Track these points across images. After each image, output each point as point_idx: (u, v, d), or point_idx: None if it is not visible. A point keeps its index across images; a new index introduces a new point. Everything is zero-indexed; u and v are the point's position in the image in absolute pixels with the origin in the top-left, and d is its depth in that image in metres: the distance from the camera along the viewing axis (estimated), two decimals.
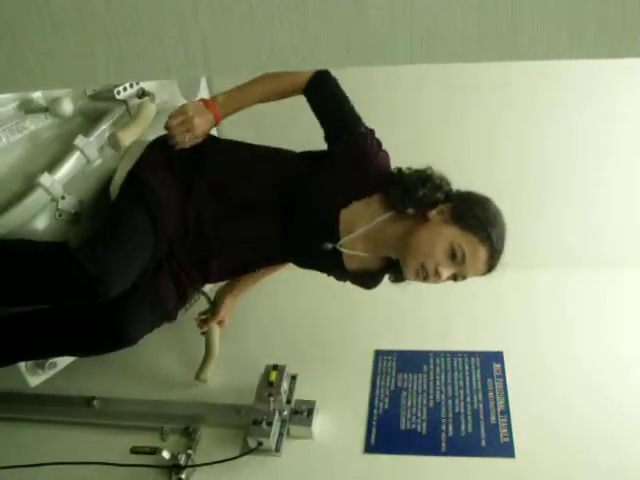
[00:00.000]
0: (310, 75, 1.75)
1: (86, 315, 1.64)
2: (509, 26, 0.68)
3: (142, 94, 1.89)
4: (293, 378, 2.11)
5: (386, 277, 1.95)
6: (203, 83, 2.30)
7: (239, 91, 1.80)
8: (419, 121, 2.39)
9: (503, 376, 2.12)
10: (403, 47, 0.72)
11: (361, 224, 1.74)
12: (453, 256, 1.65)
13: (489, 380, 2.12)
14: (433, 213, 1.69)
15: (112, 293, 1.56)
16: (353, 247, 1.78)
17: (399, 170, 1.77)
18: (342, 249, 1.78)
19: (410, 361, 2.23)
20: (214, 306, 2.15)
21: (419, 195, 1.69)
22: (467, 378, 2.14)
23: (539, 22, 0.68)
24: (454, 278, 1.72)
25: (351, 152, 1.71)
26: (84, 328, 1.67)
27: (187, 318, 2.09)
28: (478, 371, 2.16)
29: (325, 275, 1.96)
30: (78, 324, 1.66)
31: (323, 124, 1.77)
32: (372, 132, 1.74)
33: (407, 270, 1.71)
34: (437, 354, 2.24)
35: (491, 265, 1.70)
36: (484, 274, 1.73)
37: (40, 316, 1.65)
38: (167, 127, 1.74)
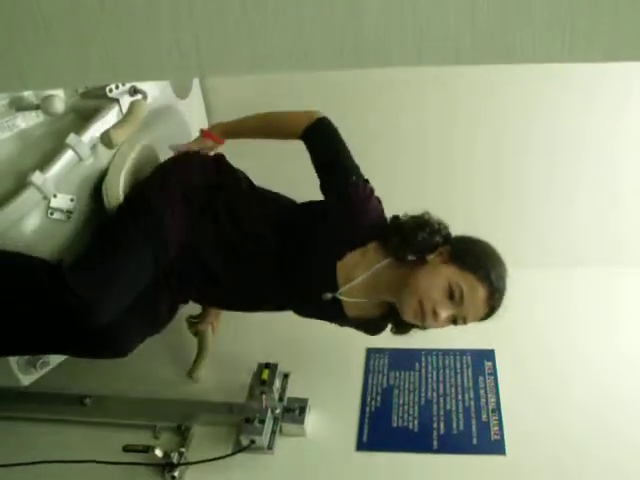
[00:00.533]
0: (310, 121, 1.73)
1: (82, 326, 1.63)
2: (502, 29, 0.68)
3: (134, 92, 1.88)
4: (285, 376, 2.11)
5: None
6: (196, 82, 2.29)
7: (237, 123, 1.84)
8: (418, 122, 2.39)
9: (494, 374, 2.13)
10: (397, 49, 0.72)
11: (359, 272, 1.73)
12: (451, 295, 1.62)
13: (480, 378, 2.13)
14: (432, 256, 1.68)
15: (105, 321, 1.57)
16: (352, 295, 1.77)
17: (395, 217, 1.77)
18: (341, 297, 1.77)
19: (402, 359, 2.23)
20: (203, 311, 2.16)
21: (418, 240, 1.69)
22: (459, 376, 2.14)
23: (532, 25, 0.68)
24: (454, 321, 1.69)
25: (344, 203, 1.70)
26: (80, 336, 1.66)
27: (179, 317, 2.08)
28: (470, 369, 2.17)
29: None
30: (74, 333, 1.65)
31: (317, 172, 1.76)
32: (365, 182, 1.72)
33: (404, 310, 1.68)
34: (429, 352, 2.24)
35: (492, 306, 1.68)
36: (485, 316, 1.71)
37: (35, 318, 1.64)
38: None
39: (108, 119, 1.79)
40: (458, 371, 2.16)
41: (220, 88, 2.37)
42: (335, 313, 1.83)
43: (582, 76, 2.20)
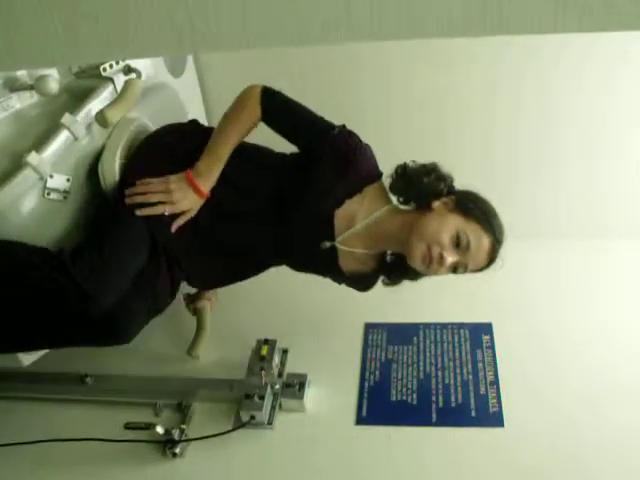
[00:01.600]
0: (258, 103, 1.72)
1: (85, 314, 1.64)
2: (494, 2, 0.68)
3: (128, 70, 1.87)
4: (284, 352, 2.12)
5: None
6: (190, 61, 2.28)
7: (213, 154, 1.73)
8: (408, 92, 2.39)
9: (492, 347, 2.14)
10: (390, 22, 0.72)
11: (358, 220, 1.77)
12: (458, 243, 1.67)
13: (478, 351, 2.14)
14: (437, 204, 1.73)
15: (108, 306, 1.60)
16: (351, 244, 1.80)
17: (404, 164, 1.80)
18: (341, 246, 1.80)
19: (400, 333, 2.25)
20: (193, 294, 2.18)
21: (423, 184, 1.73)
22: (456, 350, 2.16)
23: None
24: (454, 270, 1.74)
25: (331, 156, 1.71)
26: (81, 324, 1.66)
27: (178, 296, 2.08)
28: (467, 342, 2.18)
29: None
30: (75, 321, 1.65)
31: (292, 141, 1.77)
32: (345, 131, 1.73)
33: (413, 256, 1.71)
34: (427, 326, 2.25)
35: (492, 257, 1.74)
36: (484, 266, 1.76)
37: (35, 310, 1.64)
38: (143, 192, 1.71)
39: (103, 98, 1.78)
40: (456, 345, 2.17)
41: (214, 66, 2.36)
42: (330, 265, 1.86)
43: (572, 49, 2.20)
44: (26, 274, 1.56)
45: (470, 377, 2.05)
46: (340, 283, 1.99)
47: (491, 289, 2.35)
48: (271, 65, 2.15)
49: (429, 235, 1.68)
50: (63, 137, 1.65)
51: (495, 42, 2.16)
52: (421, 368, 2.10)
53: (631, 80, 2.25)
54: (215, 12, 0.75)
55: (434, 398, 2.00)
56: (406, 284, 1.97)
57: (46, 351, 1.88)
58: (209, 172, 1.72)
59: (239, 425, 1.93)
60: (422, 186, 1.73)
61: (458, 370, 2.08)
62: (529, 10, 0.69)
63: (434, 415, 1.94)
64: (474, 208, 1.71)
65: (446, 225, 1.68)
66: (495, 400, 1.96)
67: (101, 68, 1.79)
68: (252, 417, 1.92)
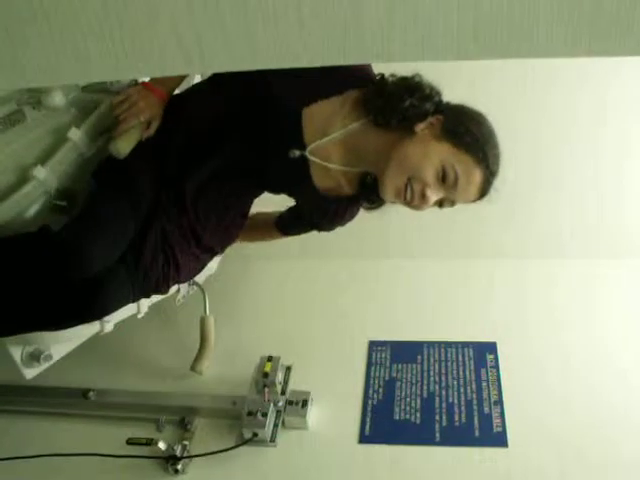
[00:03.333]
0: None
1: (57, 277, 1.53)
2: (505, 24, 0.68)
3: (135, 85, 1.87)
4: (288, 369, 2.11)
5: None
6: (197, 77, 2.28)
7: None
8: None
9: (496, 366, 2.13)
10: (398, 44, 0.72)
11: (333, 128, 1.54)
12: (444, 178, 1.46)
13: (482, 370, 2.13)
14: (421, 127, 1.49)
15: (95, 269, 1.50)
16: (325, 157, 1.58)
17: (381, 76, 1.57)
18: (312, 157, 1.57)
19: (404, 351, 2.23)
20: None
21: (405, 106, 1.48)
22: (461, 368, 2.14)
23: (534, 20, 0.68)
24: (440, 204, 1.53)
25: None
26: (58, 295, 1.55)
27: (182, 309, 2.08)
28: (472, 361, 2.16)
29: (319, 267, 1.93)
30: (51, 292, 1.55)
31: None
32: None
33: (386, 188, 1.51)
34: (431, 344, 2.24)
35: (484, 190, 1.52)
36: (475, 200, 1.54)
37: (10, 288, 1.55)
38: (115, 115, 1.65)
39: (109, 113, 1.79)
40: (460, 363, 2.16)
41: None
42: (301, 179, 1.63)
43: (570, 69, 2.20)
44: (11, 250, 1.51)
45: (474, 396, 2.04)
46: (316, 220, 1.81)
47: (496, 308, 2.36)
48: None
49: (409, 167, 1.46)
50: (69, 151, 1.65)
51: (495, 62, 2.17)
52: (425, 387, 2.09)
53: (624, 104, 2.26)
54: (223, 32, 0.76)
55: (438, 417, 1.98)
56: (411, 302, 1.97)
57: (49, 365, 1.88)
58: (163, 82, 1.66)
59: (242, 442, 1.91)
60: (403, 107, 1.48)
61: (462, 389, 2.07)
62: (538, 33, 0.69)
63: (437, 434, 1.93)
64: (464, 133, 1.46)
65: (430, 157, 1.45)
66: (499, 420, 1.95)
67: (108, 82, 1.79)
68: (255, 434, 1.91)
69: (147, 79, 1.71)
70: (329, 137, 1.54)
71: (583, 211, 2.51)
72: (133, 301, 1.70)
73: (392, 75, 1.56)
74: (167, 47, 0.77)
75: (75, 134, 1.65)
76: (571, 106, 2.29)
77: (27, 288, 1.54)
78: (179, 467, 1.86)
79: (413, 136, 1.49)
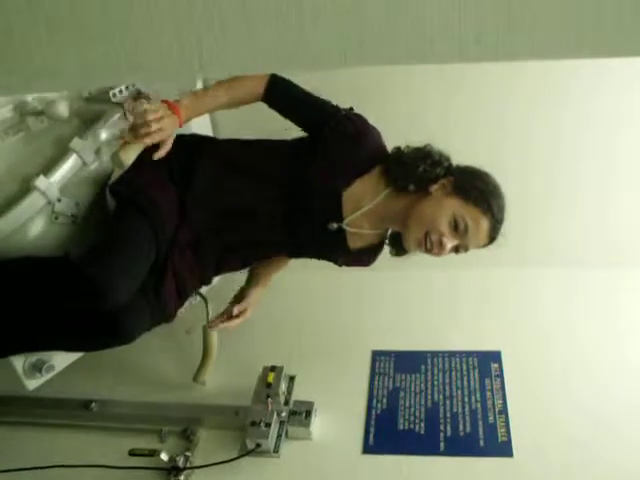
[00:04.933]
0: (265, 79, 1.77)
1: (86, 312, 1.64)
2: (507, 26, 0.68)
3: (138, 95, 1.88)
4: (291, 379, 2.11)
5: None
6: (199, 84, 2.28)
7: (203, 96, 1.80)
8: (421, 119, 2.38)
9: (501, 376, 2.12)
10: (400, 47, 0.72)
11: (365, 201, 1.78)
12: (456, 227, 1.68)
13: (487, 380, 2.11)
14: (435, 187, 1.73)
15: (121, 302, 1.59)
16: (358, 225, 1.81)
17: (398, 148, 1.81)
18: (348, 228, 1.81)
19: (408, 361, 2.22)
20: (238, 295, 2.06)
21: (419, 171, 1.73)
22: (465, 378, 2.13)
23: (536, 22, 0.68)
24: (456, 250, 1.75)
25: (341, 136, 1.75)
26: (83, 324, 1.66)
27: (184, 320, 2.08)
28: (476, 371, 2.15)
29: (321, 277, 1.95)
30: (77, 320, 1.65)
31: (298, 124, 1.82)
32: (352, 112, 1.78)
33: (410, 241, 1.74)
34: (435, 354, 2.23)
35: (492, 237, 1.74)
36: (486, 245, 1.76)
37: (39, 310, 1.64)
38: (141, 124, 1.69)
39: (112, 123, 1.79)
40: (464, 373, 2.15)
41: None
42: (337, 245, 1.86)
43: (584, 74, 2.20)
44: (36, 280, 1.58)
45: (479, 406, 2.03)
46: (340, 264, 1.98)
47: (500, 317, 2.35)
48: None
49: (426, 222, 1.70)
50: (72, 161, 1.66)
51: (504, 71, 2.17)
52: (429, 396, 2.08)
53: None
54: (223, 37, 0.76)
55: (442, 427, 1.97)
56: (414, 312, 1.97)
57: (51, 376, 1.88)
58: (189, 108, 1.77)
59: (245, 453, 1.90)
60: (418, 173, 1.74)
61: (467, 399, 2.06)
62: (541, 35, 0.69)
63: (442, 444, 1.92)
64: (471, 189, 1.71)
65: (443, 211, 1.69)
66: (504, 429, 1.94)
67: (111, 93, 1.79)
68: (258, 445, 1.90)
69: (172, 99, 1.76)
70: (363, 210, 1.78)
71: (593, 218, 2.50)
72: (149, 329, 1.77)
73: (407, 146, 1.80)
74: (168, 52, 0.77)
75: (78, 144, 1.66)
76: (586, 113, 2.29)
77: (50, 310, 1.62)
78: (182, 478, 1.85)
79: (428, 196, 1.73)
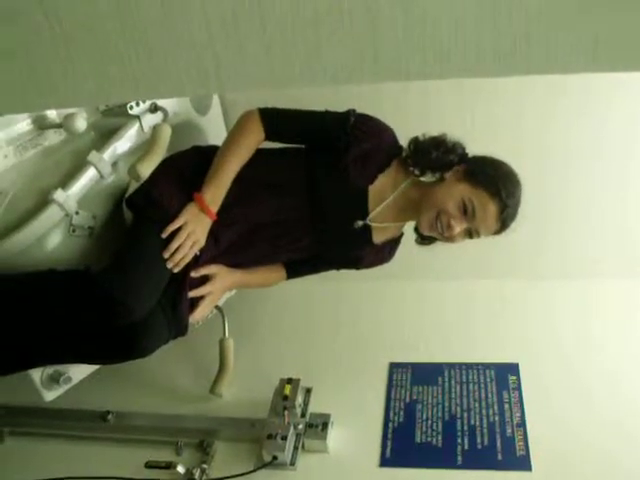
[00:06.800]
0: (260, 124, 1.79)
1: (104, 326, 1.65)
2: (523, 41, 0.68)
3: (155, 109, 1.89)
4: (308, 391, 2.10)
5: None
6: (216, 99, 2.30)
7: (218, 178, 1.77)
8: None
9: (519, 388, 2.10)
10: (417, 63, 0.72)
11: (387, 194, 1.85)
12: (465, 210, 1.74)
13: (505, 392, 2.10)
14: (449, 174, 1.80)
15: (138, 317, 1.60)
16: (381, 219, 1.88)
17: (415, 138, 1.87)
18: (373, 224, 1.87)
19: (425, 373, 2.21)
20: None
21: (432, 158, 1.81)
22: (482, 390, 2.12)
23: (553, 38, 0.67)
24: (470, 235, 1.80)
25: (358, 139, 1.78)
26: (100, 338, 1.67)
27: (201, 331, 2.08)
28: (493, 383, 2.14)
29: (336, 287, 1.95)
30: (94, 334, 1.66)
31: (309, 143, 1.86)
32: (360, 114, 1.82)
33: (423, 223, 1.81)
34: (452, 366, 2.22)
35: (503, 220, 1.76)
36: (498, 231, 1.80)
37: (57, 323, 1.65)
38: (173, 250, 1.69)
39: (129, 136, 1.80)
40: (482, 385, 2.14)
41: (240, 103, 2.37)
42: (363, 241, 1.92)
43: (600, 85, 2.19)
44: (52, 293, 1.60)
45: (496, 419, 2.01)
46: (360, 267, 2.04)
47: (517, 329, 2.34)
48: (296, 101, 2.15)
49: (436, 204, 1.76)
50: (89, 174, 1.67)
51: (518, 79, 2.16)
52: (446, 409, 2.07)
53: None
54: (240, 52, 0.76)
55: (459, 440, 1.96)
56: (431, 323, 1.96)
57: (68, 387, 1.88)
58: (214, 199, 1.76)
59: (261, 465, 1.90)
60: (432, 160, 1.81)
61: (484, 411, 2.04)
62: (557, 50, 0.69)
63: (459, 457, 1.91)
64: (481, 174, 1.75)
65: (452, 194, 1.75)
66: (522, 443, 1.92)
67: (128, 106, 1.81)
68: (274, 457, 1.89)
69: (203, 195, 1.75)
70: (385, 203, 1.85)
71: (612, 229, 2.48)
72: (167, 342, 1.77)
73: (423, 135, 1.86)
74: (185, 68, 0.78)
75: (95, 157, 1.67)
76: (604, 121, 2.27)
77: (67, 324, 1.63)
78: None
79: (442, 182, 1.81)
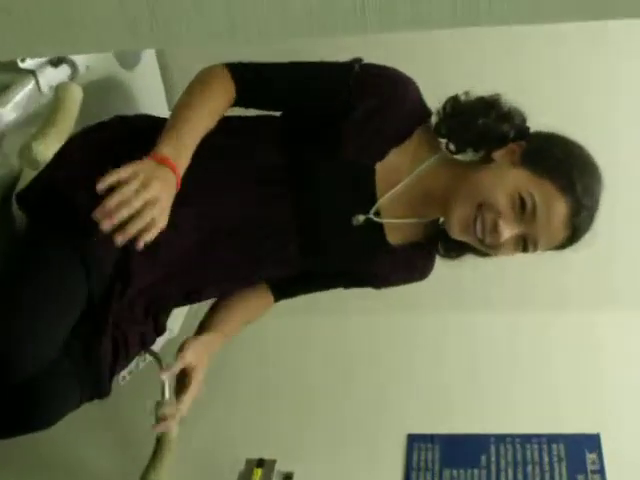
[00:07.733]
0: (229, 78, 1.76)
1: None
2: None
3: (58, 61, 1.89)
4: (287, 478, 2.11)
5: None
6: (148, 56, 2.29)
7: (177, 130, 1.67)
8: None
9: (601, 470, 2.12)
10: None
11: (403, 176, 1.78)
12: (521, 207, 1.63)
13: (580, 477, 2.12)
14: (500, 153, 1.71)
15: (31, 371, 1.55)
16: (392, 214, 1.81)
17: (453, 97, 1.80)
18: (379, 219, 1.80)
19: (461, 450, 2.22)
20: (178, 351, 2.02)
21: (478, 125, 1.73)
22: (547, 474, 2.13)
23: None
24: (523, 246, 1.69)
25: (364, 100, 1.73)
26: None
27: (129, 391, 2.09)
28: (563, 463, 2.15)
29: (330, 323, 1.95)
30: None
31: (297, 108, 1.83)
32: (369, 63, 1.76)
33: (453, 221, 1.71)
34: (500, 439, 2.23)
35: (574, 228, 1.65)
36: (565, 243, 1.69)
37: None
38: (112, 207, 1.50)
39: (19, 100, 1.80)
40: (545, 467, 2.15)
41: (187, 53, 2.38)
42: (374, 241, 1.84)
43: None
44: None
45: None
46: (380, 284, 2.01)
47: (598, 381, 2.34)
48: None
49: (479, 194, 1.66)
50: None
51: None
52: None
53: None
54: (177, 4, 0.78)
55: None
56: (465, 375, 1.95)
57: None
58: (178, 155, 1.63)
59: None
60: (477, 128, 1.73)
61: None
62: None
63: None
64: (548, 159, 1.66)
65: (504, 182, 1.66)
66: None
67: (19, 59, 1.81)
68: None
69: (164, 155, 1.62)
70: (395, 188, 1.77)
71: None
72: (78, 406, 1.73)
73: (465, 93, 1.78)
74: (110, 16, 0.79)
75: None
76: None
77: None
78: None
79: (489, 165, 1.71)
